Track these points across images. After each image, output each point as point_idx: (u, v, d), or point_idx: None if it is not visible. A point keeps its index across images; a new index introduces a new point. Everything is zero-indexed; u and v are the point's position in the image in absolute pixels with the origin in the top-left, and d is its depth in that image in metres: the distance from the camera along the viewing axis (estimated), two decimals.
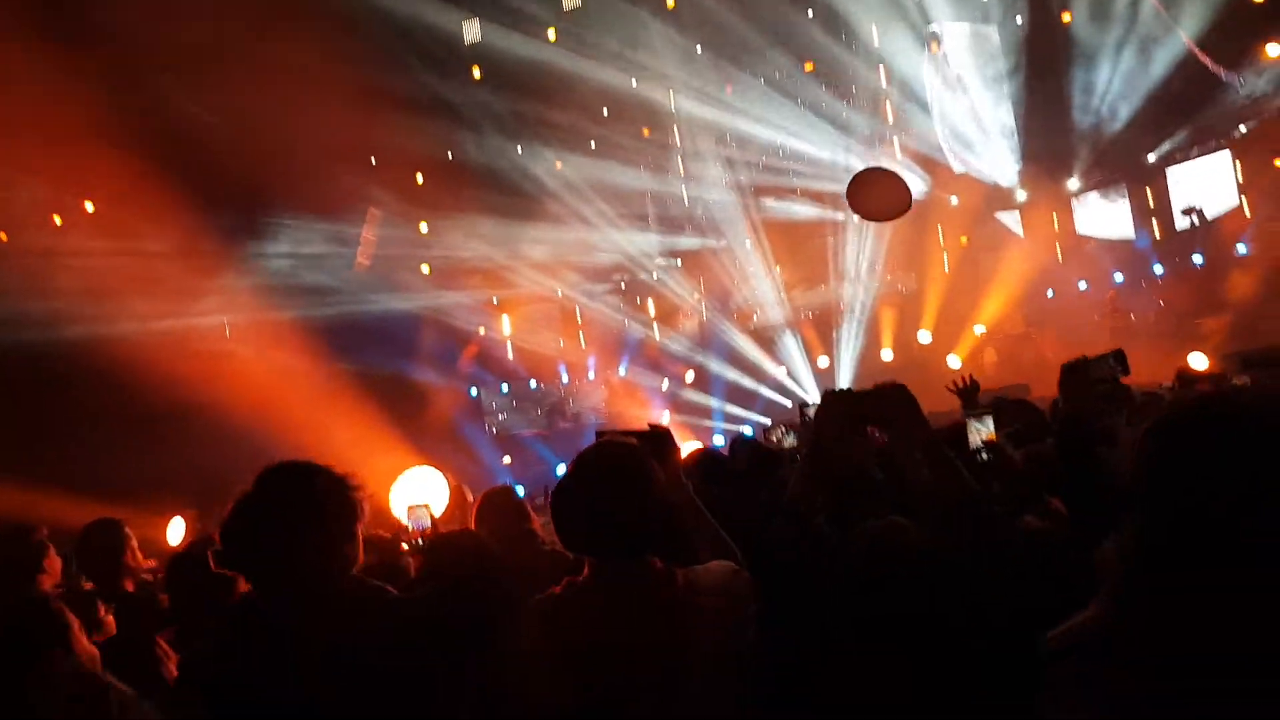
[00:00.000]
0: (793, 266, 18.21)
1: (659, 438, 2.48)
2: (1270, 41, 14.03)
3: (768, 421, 13.07)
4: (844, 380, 15.39)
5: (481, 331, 17.63)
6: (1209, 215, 15.62)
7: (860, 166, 16.65)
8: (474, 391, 17.70)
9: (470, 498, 4.40)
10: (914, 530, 2.18)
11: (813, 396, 14.77)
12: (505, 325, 17.96)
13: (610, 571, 2.11)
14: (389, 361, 14.38)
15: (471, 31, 15.50)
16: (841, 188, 16.69)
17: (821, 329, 17.33)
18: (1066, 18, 15.55)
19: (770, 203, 17.61)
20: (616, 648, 2.04)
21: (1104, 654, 1.58)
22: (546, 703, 2.07)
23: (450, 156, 16.41)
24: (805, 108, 16.82)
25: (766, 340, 17.41)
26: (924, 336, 16.69)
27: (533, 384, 18.38)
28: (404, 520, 3.56)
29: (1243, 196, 15.46)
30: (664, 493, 2.18)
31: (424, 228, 16.32)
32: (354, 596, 2.24)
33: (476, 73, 15.96)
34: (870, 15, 15.88)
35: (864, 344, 16.70)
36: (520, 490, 7.00)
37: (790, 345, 17.10)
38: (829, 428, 2.28)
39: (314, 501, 2.22)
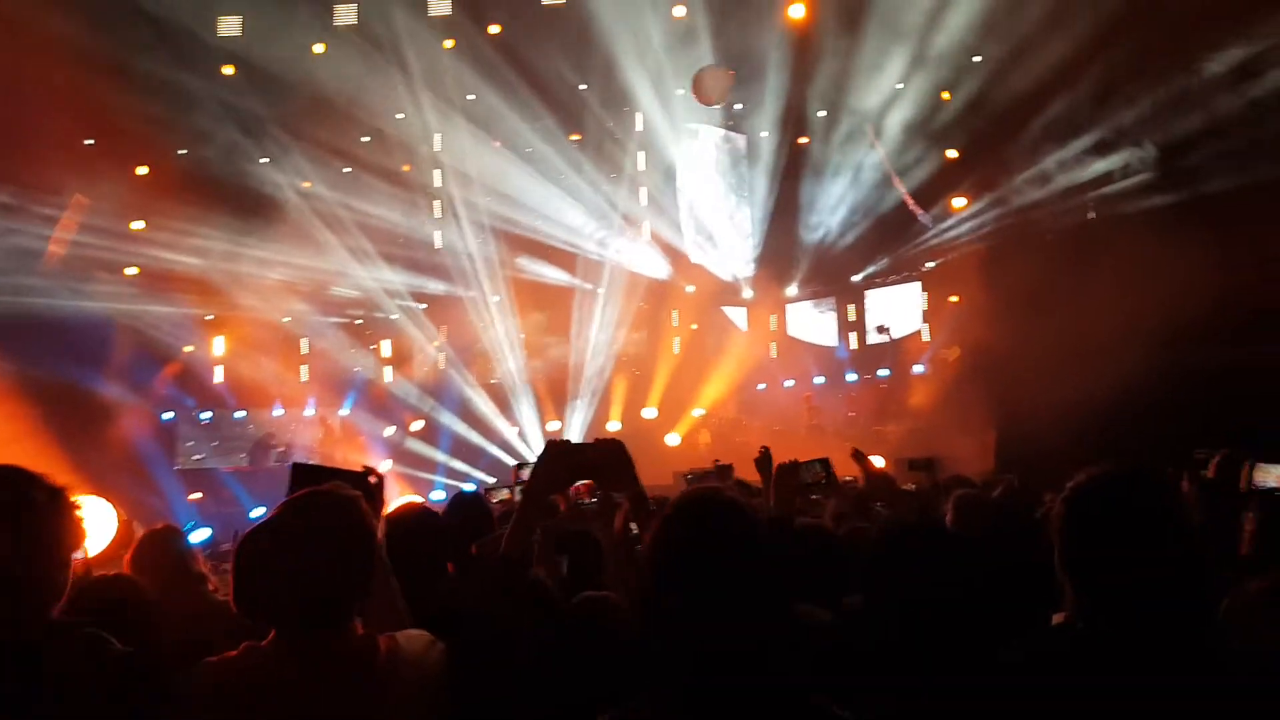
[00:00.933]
0: (536, 327, 18.33)
1: (374, 485, 2.34)
2: (958, 195, 16.28)
3: (492, 479, 12.89)
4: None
5: (188, 350, 15.94)
6: (896, 335, 17.70)
7: (613, 240, 17.57)
8: (167, 416, 15.81)
9: (139, 533, 3.95)
10: (619, 609, 2.26)
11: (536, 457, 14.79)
12: (218, 346, 16.33)
13: (308, 640, 1.85)
14: (66, 368, 12.43)
15: (230, 26, 14.29)
16: (592, 256, 17.43)
17: (556, 393, 17.49)
18: (804, 140, 17.22)
19: (522, 261, 17.70)
20: None
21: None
22: None
23: (183, 153, 14.93)
24: (567, 175, 17.21)
25: (501, 397, 17.27)
26: (649, 412, 17.38)
27: (238, 414, 16.80)
28: None
29: (926, 323, 17.69)
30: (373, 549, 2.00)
31: (139, 225, 14.57)
32: (62, 641, 1.83)
33: (228, 70, 14.68)
34: (638, 101, 16.68)
35: (594, 413, 17.09)
36: (208, 533, 6.29)
37: (524, 405, 17.10)
38: (545, 474, 2.29)
39: (28, 511, 1.79)
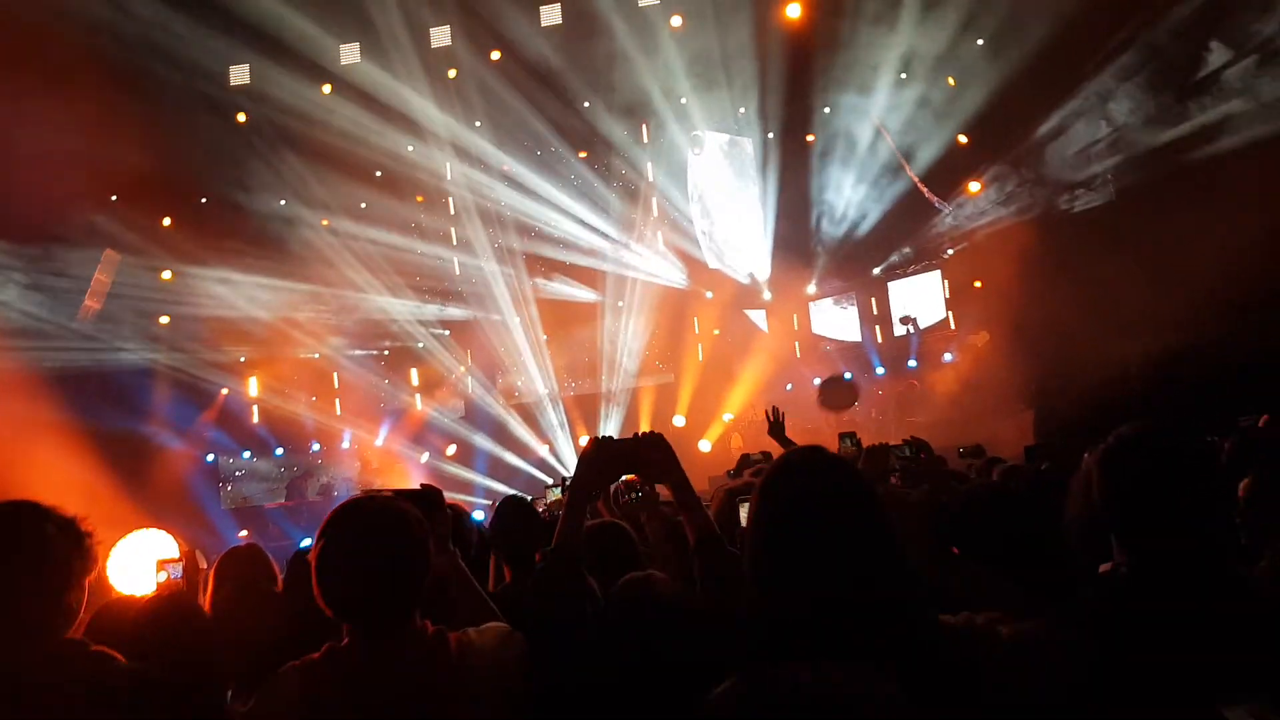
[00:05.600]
0: (561, 345, 18.44)
1: (430, 498, 2.43)
2: (973, 179, 16.27)
3: (529, 498, 12.93)
4: None
5: (225, 392, 16.24)
6: (922, 325, 17.68)
7: (629, 254, 17.70)
8: (211, 457, 16.11)
9: (204, 565, 4.09)
10: (663, 581, 2.33)
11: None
12: (252, 386, 16.62)
13: (376, 636, 1.96)
14: (116, 418, 12.85)
15: (240, 74, 14.60)
16: (610, 271, 17.54)
17: (585, 408, 17.58)
18: (810, 138, 17.27)
19: (541, 281, 17.87)
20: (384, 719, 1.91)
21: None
22: None
23: (204, 201, 15.22)
24: (578, 193, 17.37)
25: (531, 417, 17.41)
26: (679, 420, 17.41)
27: (279, 451, 17.05)
28: (120, 584, 3.36)
29: (949, 311, 17.68)
30: (432, 554, 2.09)
31: (166, 275, 14.88)
32: (79, 666, 1.96)
33: (241, 117, 14.99)
34: (643, 113, 16.81)
35: (624, 425, 17.16)
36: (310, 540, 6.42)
37: (554, 423, 17.22)
38: (591, 466, 2.37)
39: (39, 542, 1.97)
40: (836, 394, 13.98)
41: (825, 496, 1.63)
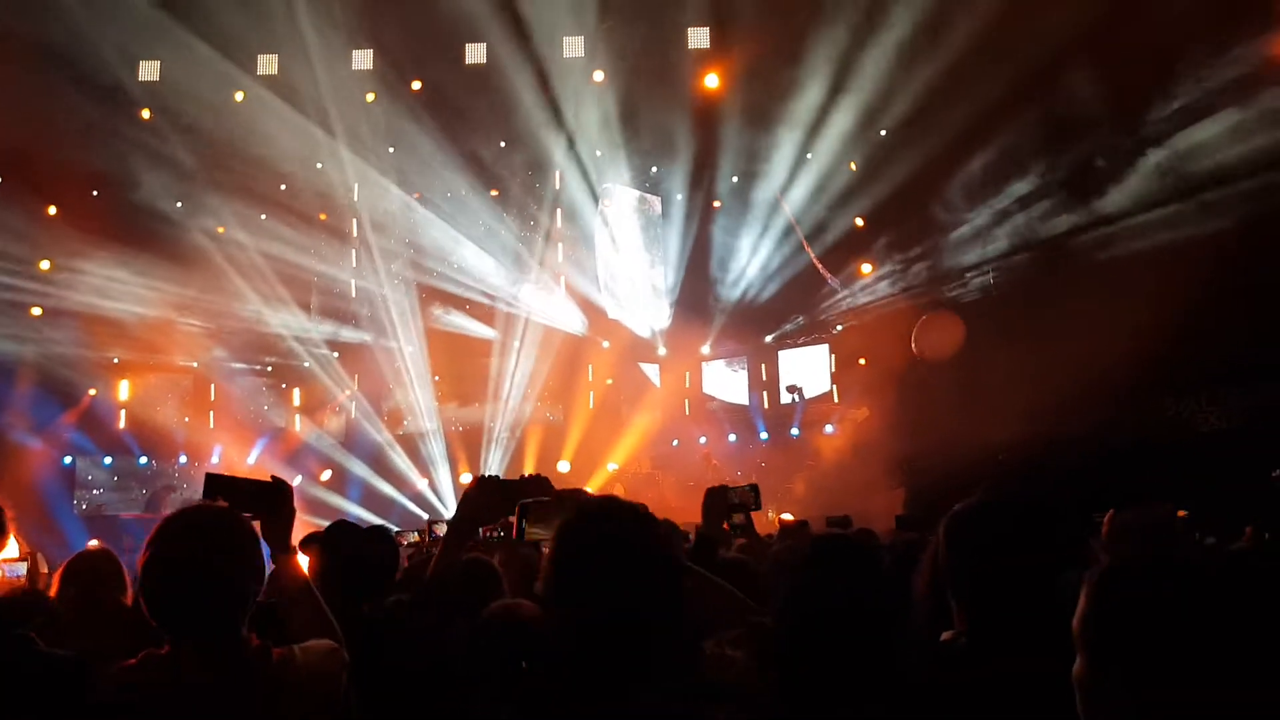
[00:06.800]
0: (451, 379, 18.25)
1: (280, 492, 2.44)
2: (865, 261, 17.01)
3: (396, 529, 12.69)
4: None
5: (92, 392, 15.42)
6: (807, 395, 18.24)
7: (529, 295, 17.76)
8: (69, 460, 15.21)
9: (45, 569, 4.00)
10: (529, 608, 2.40)
11: (450, 513, 14.69)
12: (123, 390, 15.84)
13: (197, 646, 1.97)
14: None
15: (149, 70, 14.16)
16: (508, 310, 17.53)
17: (470, 445, 17.40)
18: (717, 204, 17.82)
19: (438, 312, 17.71)
20: None
21: None
22: None
23: (95, 194, 14.59)
24: (486, 230, 17.40)
25: (413, 448, 17.11)
26: (563, 466, 17.37)
27: (143, 460, 16.24)
28: None
29: (834, 384, 18.31)
30: (262, 562, 2.12)
31: (45, 265, 14.14)
32: None
33: (145, 113, 14.51)
34: (556, 161, 17.04)
35: (508, 466, 17.03)
36: None
37: (437, 457, 16.96)
38: (474, 505, 2.46)
39: None
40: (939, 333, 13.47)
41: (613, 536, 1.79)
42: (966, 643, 2.00)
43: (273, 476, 2.48)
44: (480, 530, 4.09)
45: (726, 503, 3.95)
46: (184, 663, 1.94)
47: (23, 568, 3.12)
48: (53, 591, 3.51)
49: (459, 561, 2.56)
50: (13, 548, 4.03)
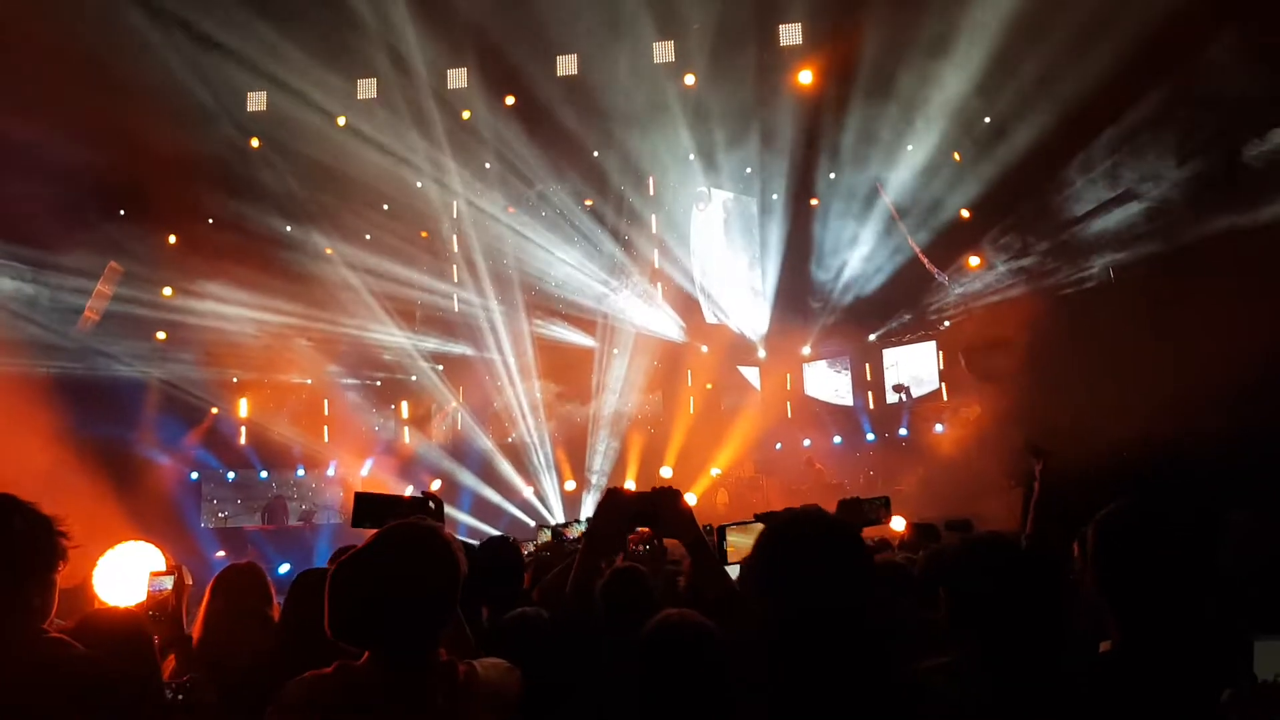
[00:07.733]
0: (554, 388, 18.48)
1: (436, 509, 2.47)
2: (973, 254, 16.41)
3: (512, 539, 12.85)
4: (589, 505, 15.63)
5: (214, 411, 16.21)
6: (915, 394, 17.73)
7: (628, 302, 17.80)
8: (195, 475, 16.01)
9: (189, 581, 4.10)
10: (696, 617, 2.35)
11: (557, 518, 14.83)
12: (243, 408, 16.60)
13: (396, 660, 1.97)
14: (106, 429, 12.82)
15: (256, 100, 14.84)
16: (607, 318, 17.63)
17: (573, 453, 17.54)
18: (814, 201, 17.49)
19: (538, 322, 17.95)
20: None
21: None
22: None
23: (211, 222, 15.34)
24: (583, 239, 17.53)
25: (519, 457, 17.35)
26: (666, 472, 17.31)
27: (263, 474, 16.95)
28: (105, 595, 3.37)
29: (942, 382, 17.75)
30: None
31: (167, 291, 14.94)
32: (36, 652, 2.00)
33: (255, 142, 15.20)
34: (650, 166, 17.04)
35: (612, 472, 17.10)
36: (289, 566, 6.40)
37: (541, 465, 17.16)
38: (606, 520, 2.42)
39: (8, 539, 2.00)
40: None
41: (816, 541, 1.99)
42: (1120, 654, 1.92)
43: (425, 492, 2.55)
44: (628, 543, 4.09)
45: (862, 516, 3.86)
46: (385, 676, 1.94)
47: (169, 581, 3.24)
48: (203, 604, 3.62)
49: (600, 570, 2.55)
50: (159, 560, 4.19)
